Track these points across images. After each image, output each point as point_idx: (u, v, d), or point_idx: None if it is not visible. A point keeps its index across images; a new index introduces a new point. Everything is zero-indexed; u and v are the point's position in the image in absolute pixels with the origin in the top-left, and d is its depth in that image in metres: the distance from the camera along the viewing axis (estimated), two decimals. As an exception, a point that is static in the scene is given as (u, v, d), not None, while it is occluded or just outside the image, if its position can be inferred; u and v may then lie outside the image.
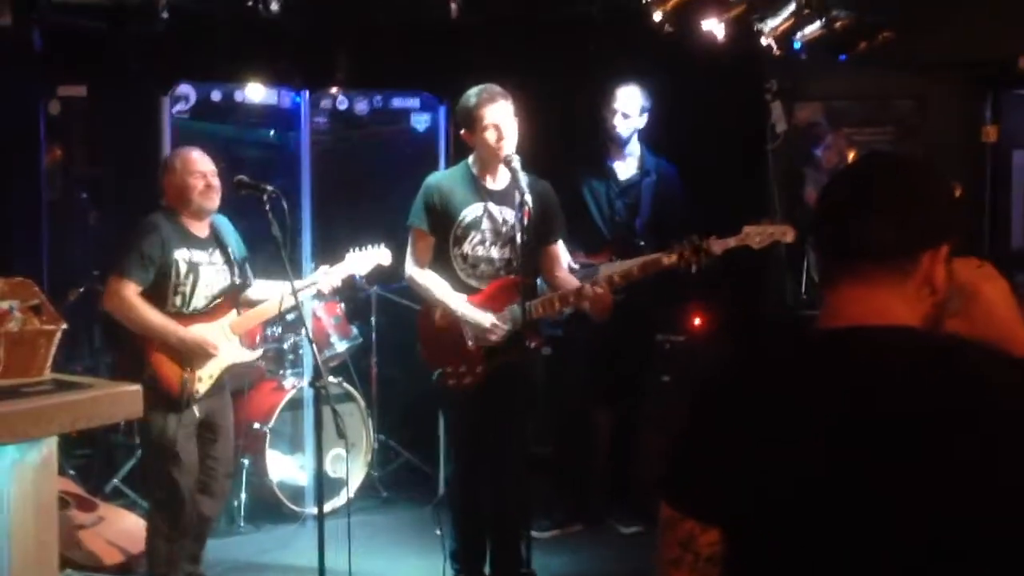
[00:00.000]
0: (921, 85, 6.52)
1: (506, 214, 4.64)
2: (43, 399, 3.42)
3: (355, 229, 5.15)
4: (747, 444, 1.65)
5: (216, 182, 4.74)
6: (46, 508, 3.56)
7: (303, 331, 5.30)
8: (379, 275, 5.37)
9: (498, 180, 4.68)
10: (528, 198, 4.33)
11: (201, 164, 4.74)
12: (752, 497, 1.65)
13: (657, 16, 4.77)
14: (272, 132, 7.13)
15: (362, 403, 6.24)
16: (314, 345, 4.42)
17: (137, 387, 3.69)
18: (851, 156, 6.64)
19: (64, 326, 3.83)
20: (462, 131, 4.65)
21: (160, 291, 4.61)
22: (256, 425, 5.93)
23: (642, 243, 5.61)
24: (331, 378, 5.95)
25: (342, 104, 6.69)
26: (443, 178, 4.78)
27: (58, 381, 3.70)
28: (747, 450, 1.65)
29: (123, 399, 3.62)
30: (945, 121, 6.49)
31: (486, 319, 4.57)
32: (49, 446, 3.54)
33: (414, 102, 6.75)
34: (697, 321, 6.47)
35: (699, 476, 1.73)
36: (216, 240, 4.81)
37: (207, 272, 4.72)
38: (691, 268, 4.57)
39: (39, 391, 3.50)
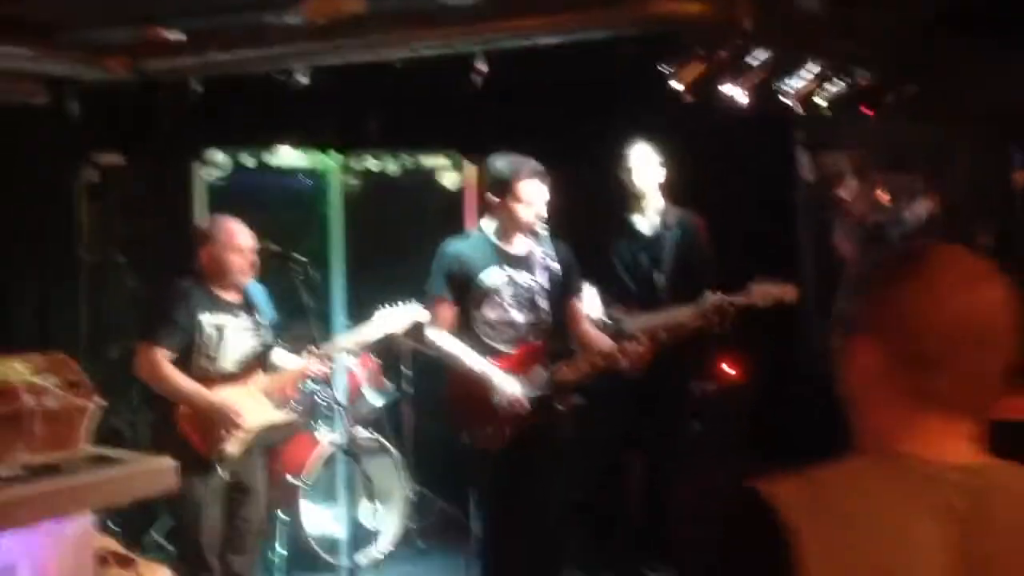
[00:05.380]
0: (950, 131, 6.48)
1: (527, 278, 4.68)
2: (80, 477, 3.51)
3: (387, 287, 5.19)
4: None
5: (255, 258, 4.79)
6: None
7: (336, 389, 5.36)
8: (414, 329, 5.41)
9: (516, 245, 4.71)
10: (553, 264, 4.40)
11: (243, 239, 4.76)
12: None
13: (678, 87, 4.80)
14: (304, 194, 7.22)
15: (396, 455, 6.28)
16: (347, 400, 4.46)
17: (172, 462, 3.76)
18: (881, 204, 6.63)
19: (101, 403, 3.91)
20: (489, 194, 4.68)
21: (188, 354, 4.68)
22: (291, 478, 5.98)
23: (664, 296, 5.65)
24: (364, 432, 6.03)
25: (372, 165, 6.76)
26: (461, 245, 4.79)
27: (94, 457, 3.77)
28: None
29: (158, 475, 3.70)
30: (974, 167, 6.47)
31: (512, 386, 4.60)
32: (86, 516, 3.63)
33: (443, 161, 6.82)
34: (729, 369, 6.49)
35: None
36: (246, 304, 4.86)
37: (234, 335, 4.76)
38: (716, 329, 4.63)
39: (76, 468, 3.58)
